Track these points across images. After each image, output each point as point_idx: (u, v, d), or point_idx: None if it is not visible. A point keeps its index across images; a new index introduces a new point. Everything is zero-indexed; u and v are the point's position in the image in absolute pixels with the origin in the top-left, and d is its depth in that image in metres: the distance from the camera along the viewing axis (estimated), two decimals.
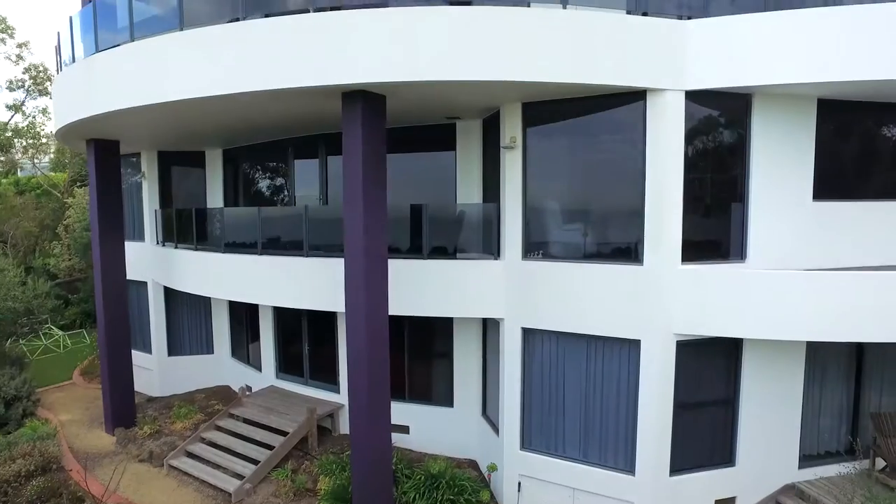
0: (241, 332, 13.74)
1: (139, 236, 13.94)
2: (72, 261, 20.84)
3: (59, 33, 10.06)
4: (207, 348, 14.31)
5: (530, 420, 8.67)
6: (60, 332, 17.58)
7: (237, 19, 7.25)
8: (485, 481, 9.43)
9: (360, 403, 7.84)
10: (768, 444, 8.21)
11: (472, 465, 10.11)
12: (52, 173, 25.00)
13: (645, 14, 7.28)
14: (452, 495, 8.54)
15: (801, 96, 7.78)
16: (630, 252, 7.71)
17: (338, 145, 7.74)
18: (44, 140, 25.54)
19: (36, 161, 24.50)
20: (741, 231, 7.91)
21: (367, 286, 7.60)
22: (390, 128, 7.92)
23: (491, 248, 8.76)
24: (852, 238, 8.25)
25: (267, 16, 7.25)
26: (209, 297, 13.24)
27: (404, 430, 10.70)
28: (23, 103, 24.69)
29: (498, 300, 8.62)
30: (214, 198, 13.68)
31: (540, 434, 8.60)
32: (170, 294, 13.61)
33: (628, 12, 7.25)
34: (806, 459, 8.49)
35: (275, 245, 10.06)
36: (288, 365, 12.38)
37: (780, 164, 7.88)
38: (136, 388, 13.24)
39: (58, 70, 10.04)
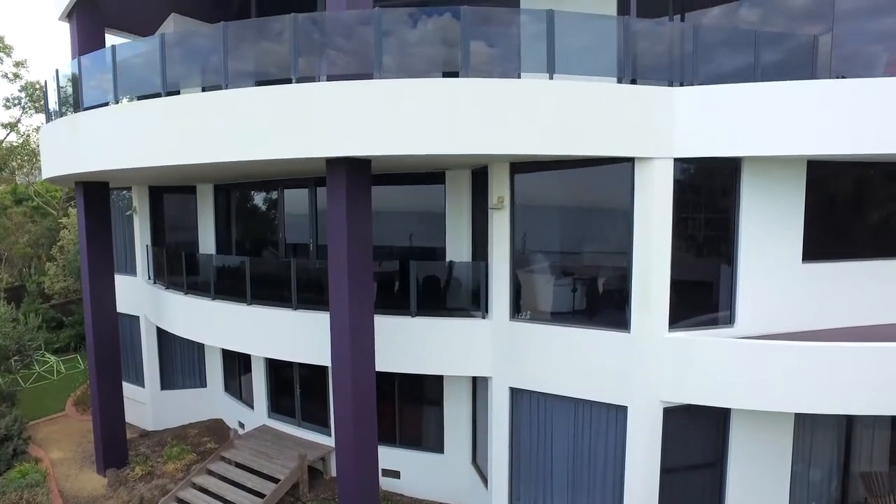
0: (234, 367, 13.71)
1: (131, 270, 13.91)
2: (66, 282, 20.82)
3: (45, 82, 10.00)
4: (200, 382, 14.29)
5: (518, 477, 8.65)
6: (54, 358, 17.54)
7: (219, 87, 7.19)
8: None
9: (347, 462, 7.82)
10: None
11: None
12: (47, 192, 24.90)
13: (634, 81, 7.21)
14: None
15: (792, 157, 7.71)
16: (617, 318, 7.66)
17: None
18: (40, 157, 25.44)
19: (30, 179, 24.41)
20: (730, 294, 7.85)
21: (352, 346, 7.57)
22: (377, 174, 7.86)
23: (479, 306, 8.72)
24: (842, 298, 8.18)
25: (259, 83, 7.17)
26: None
27: (395, 475, 10.70)
28: (18, 121, 24.62)
29: (486, 359, 8.60)
30: (206, 232, 13.61)
31: (528, 492, 8.58)
32: (162, 328, 13.58)
33: (619, 80, 7.18)
34: None
35: (264, 295, 10.02)
36: (280, 405, 12.36)
37: (769, 226, 7.81)
38: (130, 420, 13.31)
39: (46, 118, 9.97)
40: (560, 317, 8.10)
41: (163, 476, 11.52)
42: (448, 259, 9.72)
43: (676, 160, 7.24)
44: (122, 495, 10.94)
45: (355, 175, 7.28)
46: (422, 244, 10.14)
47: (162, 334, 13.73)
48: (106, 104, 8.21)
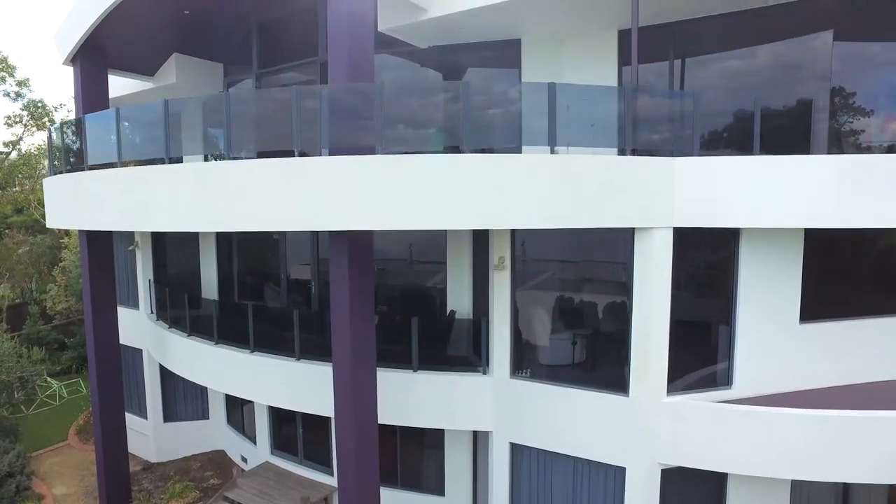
0: (237, 400, 13.73)
1: (133, 303, 14.00)
2: (68, 302, 20.88)
3: (51, 130, 10.06)
4: (203, 414, 14.37)
5: None
6: (56, 384, 17.62)
7: (222, 157, 7.26)
8: None
9: None
10: None
11: None
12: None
13: (634, 151, 7.26)
14: None
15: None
16: (616, 381, 7.75)
17: None
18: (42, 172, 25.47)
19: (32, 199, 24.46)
20: (728, 356, 7.95)
21: (355, 402, 7.69)
22: None
23: (480, 362, 8.81)
24: (840, 356, 8.26)
25: (260, 155, 7.25)
26: None
27: None
28: (20, 139, 24.67)
29: (486, 414, 8.70)
30: (208, 266, 13.64)
31: None
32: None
33: (620, 151, 7.24)
34: None
35: (266, 342, 10.10)
36: (282, 442, 12.45)
37: (767, 289, 7.89)
38: (134, 451, 13.40)
39: (50, 168, 10.04)
40: (560, 376, 8.19)
41: None
42: (449, 308, 9.81)
43: (676, 229, 7.33)
44: None
45: (357, 244, 7.37)
46: (423, 287, 10.21)
47: (165, 367, 13.81)
48: (111, 162, 8.30)
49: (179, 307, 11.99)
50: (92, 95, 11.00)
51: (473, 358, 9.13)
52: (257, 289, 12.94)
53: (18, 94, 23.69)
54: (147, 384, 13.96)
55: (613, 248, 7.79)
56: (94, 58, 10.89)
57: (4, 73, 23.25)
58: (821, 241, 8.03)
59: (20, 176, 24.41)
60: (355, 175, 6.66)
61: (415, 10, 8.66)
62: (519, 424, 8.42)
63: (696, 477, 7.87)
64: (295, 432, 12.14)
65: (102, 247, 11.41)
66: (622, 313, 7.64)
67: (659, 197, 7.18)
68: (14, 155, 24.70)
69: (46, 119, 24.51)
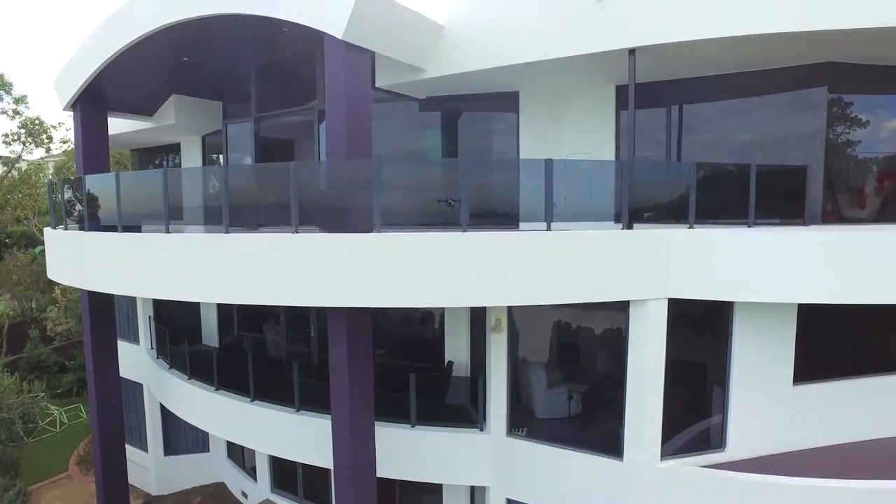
0: None
1: (134, 338, 14.10)
2: (68, 324, 20.97)
3: (51, 181, 10.10)
4: (203, 447, 14.49)
5: None
6: (56, 410, 17.71)
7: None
8: None
9: None
10: None
11: None
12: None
13: (630, 224, 7.31)
14: None
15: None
16: (611, 444, 7.84)
17: None
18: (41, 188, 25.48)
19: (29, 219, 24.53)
20: (721, 419, 8.05)
21: (353, 458, 7.88)
22: None
23: (477, 420, 8.92)
24: (833, 415, 8.37)
25: (260, 226, 7.31)
26: None
27: None
28: (19, 157, 24.65)
29: (483, 470, 8.80)
30: (208, 305, 13.74)
31: None
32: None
33: (616, 219, 7.28)
34: None
35: (266, 391, 10.19)
36: (282, 480, 12.56)
37: (761, 355, 7.98)
38: (135, 482, 13.52)
39: (52, 224, 10.10)
40: (555, 437, 8.28)
41: None
42: (447, 359, 9.91)
43: (671, 300, 7.41)
44: None
45: (355, 320, 7.48)
46: (422, 335, 10.30)
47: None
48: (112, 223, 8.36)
49: (180, 344, 12.06)
50: (92, 139, 11.10)
51: (471, 409, 9.22)
52: (257, 326, 13.01)
53: (16, 112, 23.65)
54: (147, 417, 14.08)
55: (609, 313, 7.84)
56: (94, 103, 10.95)
57: (1, 91, 23.21)
58: (815, 309, 8.10)
59: (20, 195, 24.39)
60: (351, 255, 6.65)
61: (412, 70, 8.72)
62: (515, 481, 8.53)
63: None
64: (295, 472, 12.23)
65: (104, 301, 11.44)
66: (619, 375, 7.71)
67: (654, 270, 7.25)
68: (14, 174, 24.71)
69: (45, 136, 24.52)
